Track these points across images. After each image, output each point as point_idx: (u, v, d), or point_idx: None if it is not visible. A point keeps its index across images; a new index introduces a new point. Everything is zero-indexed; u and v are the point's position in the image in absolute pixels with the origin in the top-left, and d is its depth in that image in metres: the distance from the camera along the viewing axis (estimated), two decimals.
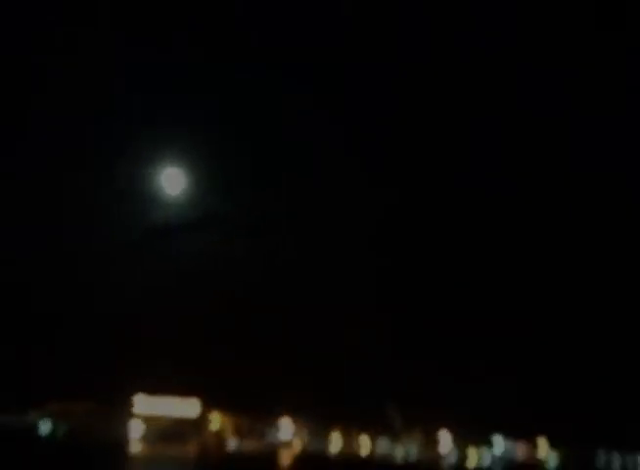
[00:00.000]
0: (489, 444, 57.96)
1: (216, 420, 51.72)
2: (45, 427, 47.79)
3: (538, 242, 47.07)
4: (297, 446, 52.51)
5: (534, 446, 58.30)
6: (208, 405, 51.00)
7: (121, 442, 46.16)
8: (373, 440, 56.98)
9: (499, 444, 56.72)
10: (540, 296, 51.41)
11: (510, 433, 59.66)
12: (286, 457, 48.31)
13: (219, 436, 51.32)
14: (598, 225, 48.44)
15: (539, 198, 43.40)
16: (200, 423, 50.71)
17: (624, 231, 46.42)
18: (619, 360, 54.14)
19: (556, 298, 51.38)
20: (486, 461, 55.82)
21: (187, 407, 50.70)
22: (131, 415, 49.06)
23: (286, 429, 53.49)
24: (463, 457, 54.73)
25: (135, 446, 46.41)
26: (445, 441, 55.51)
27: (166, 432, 48.55)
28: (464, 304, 50.17)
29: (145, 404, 49.84)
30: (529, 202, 44.05)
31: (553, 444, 59.59)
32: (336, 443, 55.09)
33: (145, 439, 48.12)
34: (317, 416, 53.89)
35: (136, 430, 48.85)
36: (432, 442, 57.71)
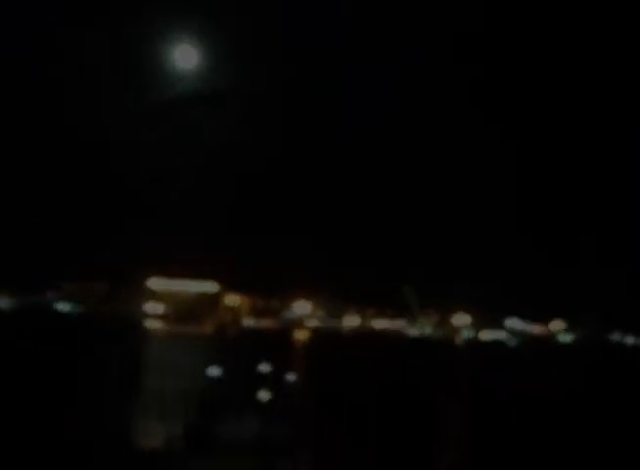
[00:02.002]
0: (505, 324, 58.44)
1: (232, 299, 52.19)
2: (63, 306, 48.34)
3: None
4: (313, 323, 53.00)
5: (550, 326, 58.79)
6: (225, 285, 51.35)
7: (138, 319, 46.67)
8: (389, 319, 57.48)
9: (514, 322, 57.15)
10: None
11: (527, 315, 60.11)
12: (301, 333, 48.76)
13: (235, 314, 51.87)
14: None
15: None
16: (216, 302, 51.18)
17: None
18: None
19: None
20: (501, 336, 56.36)
21: (204, 288, 51.06)
22: (148, 294, 49.51)
23: (301, 308, 53.94)
24: (478, 335, 55.19)
25: (152, 324, 46.93)
26: (461, 320, 55.94)
27: (183, 310, 49.07)
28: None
29: (162, 284, 50.22)
30: None
31: (569, 325, 60.08)
32: (351, 321, 55.59)
33: (162, 317, 48.66)
34: (333, 296, 54.24)
35: (153, 308, 49.36)
36: (447, 322, 58.20)
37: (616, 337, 57.60)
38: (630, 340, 57.82)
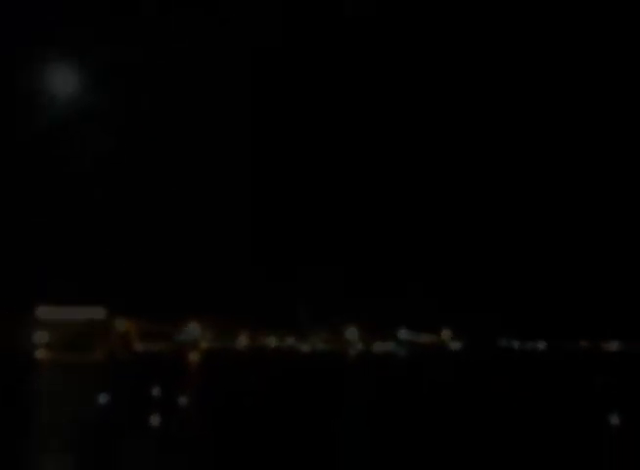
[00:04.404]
0: (395, 336, 59.59)
1: (122, 325, 51.65)
2: None
3: None
4: (204, 345, 52.92)
5: (438, 335, 60.24)
6: (113, 312, 50.78)
7: (26, 349, 45.74)
8: (280, 337, 57.83)
9: (404, 333, 58.37)
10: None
11: (415, 326, 61.46)
12: (193, 356, 48.59)
13: (125, 339, 51.34)
14: None
15: None
16: (105, 328, 50.57)
17: None
18: (523, 257, 55.57)
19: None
20: (391, 348, 57.53)
21: (92, 314, 50.38)
22: (36, 323, 48.58)
23: (192, 330, 53.81)
24: (368, 347, 56.14)
25: (41, 353, 46.07)
26: (352, 334, 56.76)
27: (72, 338, 48.30)
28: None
29: (50, 313, 49.33)
30: None
31: (456, 333, 61.67)
32: (242, 341, 55.73)
33: (51, 345, 47.78)
34: (224, 317, 54.28)
35: (41, 337, 48.44)
36: (339, 337, 58.92)
37: (503, 342, 59.45)
38: (516, 344, 59.80)
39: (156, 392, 21.81)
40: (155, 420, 15.74)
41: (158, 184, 44.29)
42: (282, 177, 48.11)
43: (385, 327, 56.96)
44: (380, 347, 57.08)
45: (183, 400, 20.19)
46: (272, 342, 55.86)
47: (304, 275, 50.04)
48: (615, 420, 17.55)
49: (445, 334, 60.13)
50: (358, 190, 51.02)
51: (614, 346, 60.42)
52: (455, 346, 59.45)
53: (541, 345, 59.58)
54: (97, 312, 49.70)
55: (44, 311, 48.60)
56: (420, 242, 52.50)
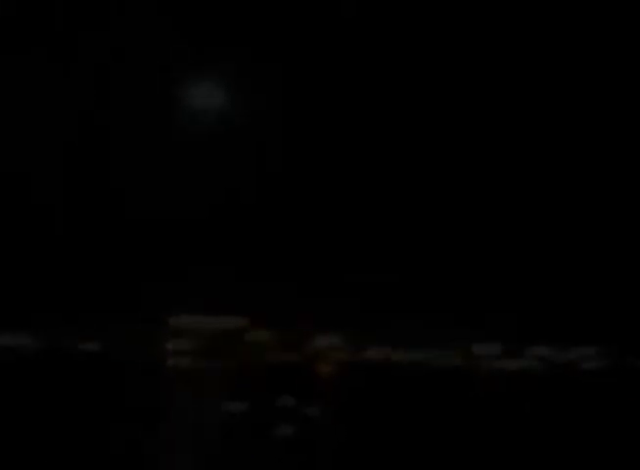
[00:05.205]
0: (527, 351, 58.18)
1: (257, 334, 52.19)
2: (86, 344, 48.23)
3: None
4: (338, 356, 52.85)
5: (574, 352, 58.43)
6: (249, 320, 51.41)
7: (162, 356, 46.70)
8: (409, 352, 57.29)
9: (541, 351, 56.88)
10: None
11: (553, 342, 59.82)
12: (326, 367, 48.50)
13: (259, 348, 51.83)
14: None
15: None
16: (240, 337, 51.19)
17: None
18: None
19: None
20: (525, 365, 56.11)
21: (228, 323, 51.11)
22: (172, 331, 49.64)
23: (325, 341, 53.84)
24: (500, 364, 54.93)
25: (176, 361, 46.94)
26: (484, 349, 55.72)
27: (208, 347, 49.09)
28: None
29: (187, 321, 50.35)
30: None
31: (598, 351, 59.68)
32: (376, 354, 55.46)
33: (186, 353, 48.70)
34: (357, 328, 54.15)
35: (177, 345, 49.46)
36: (470, 351, 57.94)
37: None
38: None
39: (287, 401, 21.84)
40: (285, 430, 15.72)
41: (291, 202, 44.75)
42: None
43: (515, 341, 55.72)
44: (511, 364, 55.76)
45: (315, 412, 20.09)
46: (404, 356, 55.45)
47: (436, 288, 49.44)
48: None
49: (584, 351, 58.22)
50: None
51: None
52: (596, 365, 57.53)
53: None
54: (233, 321, 50.47)
55: (181, 319, 49.61)
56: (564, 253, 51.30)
